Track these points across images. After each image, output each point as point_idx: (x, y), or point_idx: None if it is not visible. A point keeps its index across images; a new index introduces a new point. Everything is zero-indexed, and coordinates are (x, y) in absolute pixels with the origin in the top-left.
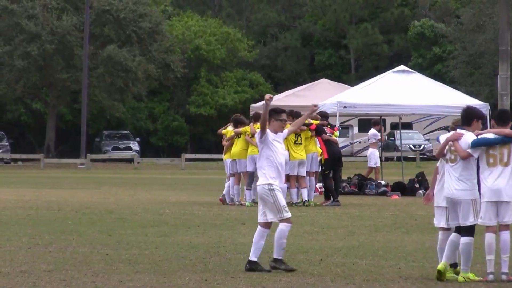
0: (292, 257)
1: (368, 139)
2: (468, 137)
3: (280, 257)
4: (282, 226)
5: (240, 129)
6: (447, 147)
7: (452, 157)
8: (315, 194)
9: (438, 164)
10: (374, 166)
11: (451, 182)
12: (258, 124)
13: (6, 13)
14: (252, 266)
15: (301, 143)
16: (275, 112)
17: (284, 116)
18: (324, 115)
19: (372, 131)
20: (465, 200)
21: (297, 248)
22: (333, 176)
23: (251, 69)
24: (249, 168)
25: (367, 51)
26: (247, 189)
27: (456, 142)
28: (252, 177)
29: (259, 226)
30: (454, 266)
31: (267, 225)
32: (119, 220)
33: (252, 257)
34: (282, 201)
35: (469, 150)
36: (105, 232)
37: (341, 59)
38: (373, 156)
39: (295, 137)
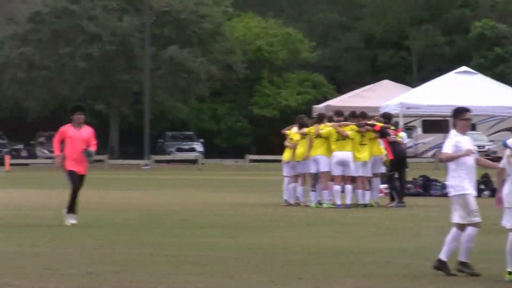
0: (358, 258)
1: None
2: None
3: (466, 261)
4: (471, 231)
5: (305, 130)
6: None
7: None
8: (380, 195)
9: (501, 164)
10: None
11: None
12: (322, 125)
13: (67, 14)
14: (440, 266)
15: (366, 144)
16: (459, 112)
17: (468, 115)
18: (387, 116)
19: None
20: None
21: (363, 250)
22: (399, 177)
23: (313, 70)
24: (313, 170)
25: (428, 52)
26: (311, 190)
27: None
28: (316, 178)
29: (454, 228)
30: None
31: (461, 227)
32: (184, 222)
33: (443, 257)
34: (473, 205)
35: None
36: (171, 233)
37: (403, 59)
38: None
39: (360, 138)
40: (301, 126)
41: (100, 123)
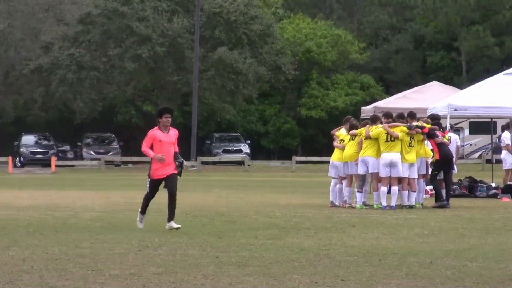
0: (402, 259)
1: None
2: None
3: None
4: None
5: (356, 131)
6: None
7: None
8: (426, 196)
9: None
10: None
11: None
12: (374, 127)
13: (117, 15)
14: None
15: (413, 146)
16: None
17: None
18: (435, 118)
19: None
20: None
21: (407, 251)
22: (444, 178)
23: (362, 72)
24: (360, 171)
25: (478, 53)
26: (358, 191)
27: None
28: (363, 179)
29: None
30: None
31: None
32: (229, 223)
33: None
34: None
35: None
36: (215, 234)
37: (453, 61)
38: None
39: (409, 140)
40: (351, 127)
41: (147, 124)
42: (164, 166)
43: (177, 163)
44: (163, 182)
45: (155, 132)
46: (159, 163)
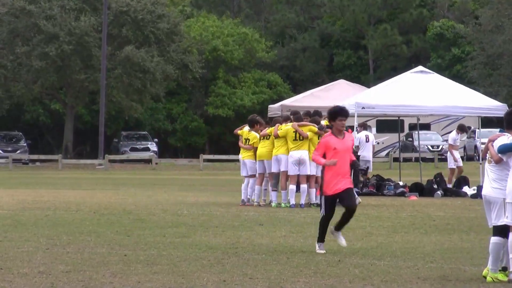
0: (310, 258)
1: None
2: (498, 141)
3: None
4: None
5: (267, 130)
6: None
7: (489, 158)
8: None
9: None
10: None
11: (487, 181)
12: (283, 125)
13: (24, 13)
14: None
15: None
16: None
17: None
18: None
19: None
20: (497, 200)
21: (315, 249)
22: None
23: (269, 70)
24: (274, 169)
25: (385, 52)
26: (273, 190)
27: (490, 145)
28: (277, 178)
29: None
30: (504, 269)
31: None
32: (137, 221)
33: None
34: None
35: (499, 155)
36: (123, 233)
37: (360, 59)
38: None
39: (318, 139)
40: (252, 125)
41: (55, 122)
42: (340, 179)
43: (354, 167)
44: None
45: (328, 139)
46: (333, 175)
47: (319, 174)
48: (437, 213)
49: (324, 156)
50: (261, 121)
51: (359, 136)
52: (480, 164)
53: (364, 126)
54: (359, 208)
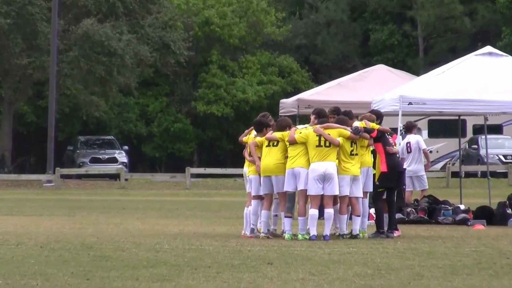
0: None
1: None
2: None
3: None
4: None
5: (277, 134)
6: None
7: None
8: (369, 222)
9: None
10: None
11: None
12: (303, 127)
13: None
14: None
15: (357, 154)
16: None
17: None
18: (377, 115)
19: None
20: None
21: None
22: (387, 197)
23: (281, 52)
24: (289, 187)
25: (440, 26)
26: (285, 216)
27: None
28: (293, 199)
29: None
30: None
31: None
32: (100, 259)
33: None
34: None
35: None
36: (81, 275)
37: (406, 37)
38: None
39: (351, 146)
40: (260, 129)
41: None
42: None
43: None
44: None
45: None
46: None
47: (356, 194)
48: None
49: None
50: (274, 123)
51: (404, 142)
52: None
53: (410, 128)
54: (403, 242)
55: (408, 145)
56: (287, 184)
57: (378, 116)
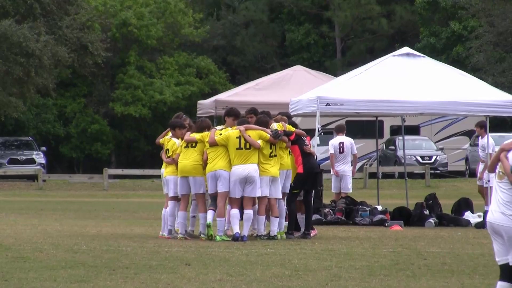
0: None
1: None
2: None
3: None
4: None
5: (196, 136)
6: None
7: (500, 172)
8: (286, 223)
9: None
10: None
11: (496, 205)
12: (221, 129)
13: None
14: None
15: (276, 155)
16: None
17: None
18: (287, 116)
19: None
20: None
21: None
22: (304, 198)
23: (198, 53)
24: (211, 191)
25: (358, 27)
26: (209, 209)
27: (503, 156)
28: (215, 201)
29: None
30: None
31: None
32: (17, 260)
33: None
34: None
35: None
36: None
37: (323, 38)
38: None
39: (270, 148)
40: (174, 129)
41: None
42: None
43: None
44: None
45: None
46: None
47: (275, 195)
48: (429, 248)
49: None
50: (191, 124)
51: (333, 143)
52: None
53: (342, 130)
54: (321, 243)
55: (341, 145)
56: (210, 187)
57: (288, 117)
